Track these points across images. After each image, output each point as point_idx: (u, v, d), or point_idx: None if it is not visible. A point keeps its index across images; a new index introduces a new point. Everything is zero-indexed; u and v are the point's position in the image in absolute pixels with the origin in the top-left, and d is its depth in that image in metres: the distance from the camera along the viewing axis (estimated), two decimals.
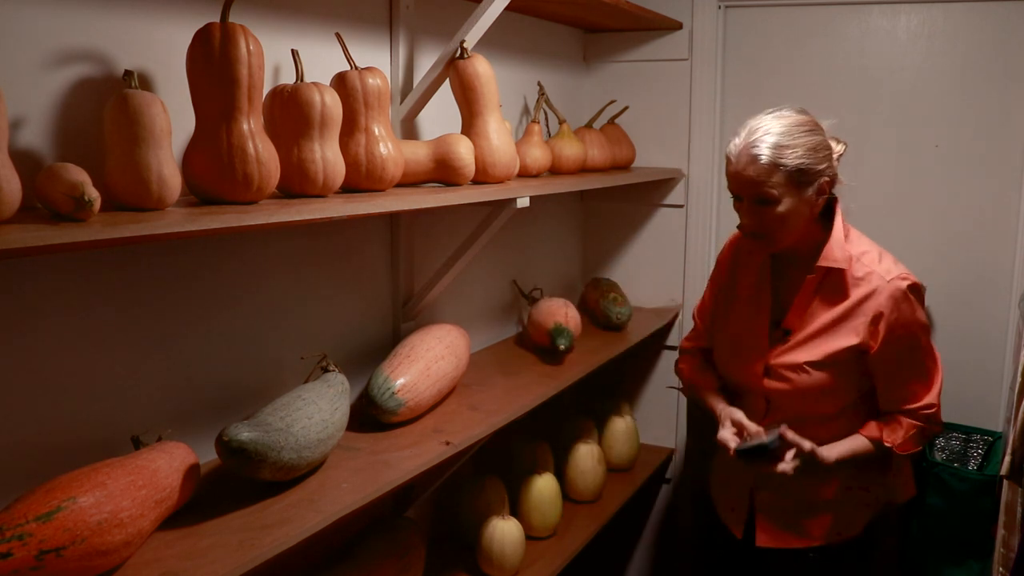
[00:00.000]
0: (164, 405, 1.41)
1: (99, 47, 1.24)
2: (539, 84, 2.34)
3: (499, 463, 2.28)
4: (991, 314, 2.54)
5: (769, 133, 1.59)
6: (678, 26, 2.66)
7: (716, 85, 2.69)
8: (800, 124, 1.62)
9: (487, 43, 2.02)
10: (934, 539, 2.44)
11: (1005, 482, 1.94)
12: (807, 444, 1.67)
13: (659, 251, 2.81)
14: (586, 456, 2.39)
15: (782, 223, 1.63)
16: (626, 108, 2.61)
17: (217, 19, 1.24)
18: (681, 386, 2.05)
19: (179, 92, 1.29)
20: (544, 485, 2.18)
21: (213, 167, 1.22)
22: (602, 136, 2.47)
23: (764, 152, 1.58)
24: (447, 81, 1.83)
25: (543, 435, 2.40)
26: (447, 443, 1.58)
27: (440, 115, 1.99)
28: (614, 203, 2.84)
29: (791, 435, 1.67)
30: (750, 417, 1.77)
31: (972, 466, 2.51)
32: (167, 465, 1.22)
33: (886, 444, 1.75)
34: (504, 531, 1.98)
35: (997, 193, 2.49)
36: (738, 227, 1.73)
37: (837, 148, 1.71)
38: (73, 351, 1.26)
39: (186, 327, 1.44)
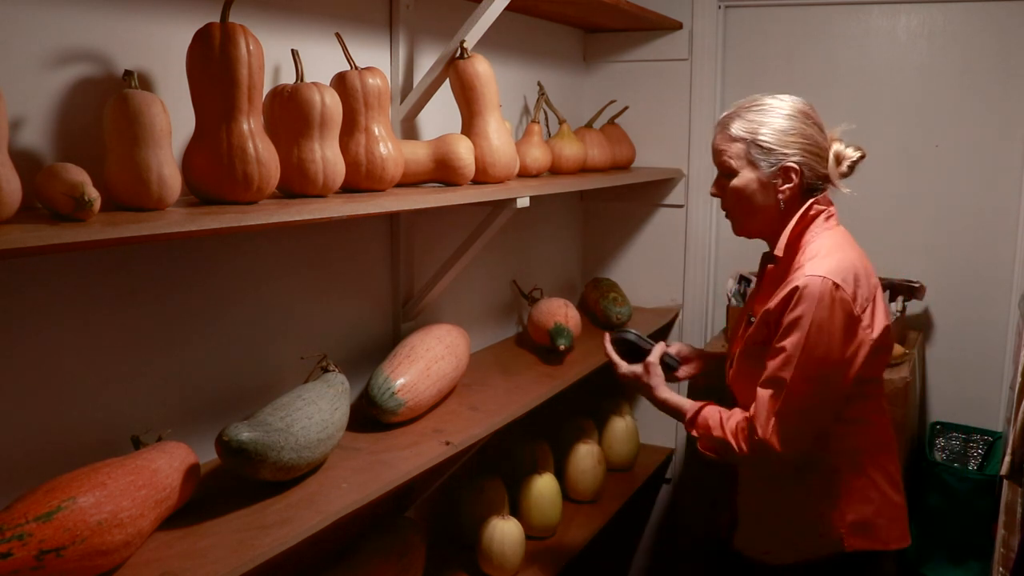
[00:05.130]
0: (164, 405, 1.41)
1: (99, 47, 1.24)
2: (539, 84, 2.34)
3: (499, 463, 2.28)
4: (991, 314, 2.54)
5: (746, 106, 1.61)
6: (678, 26, 2.66)
7: (716, 85, 2.69)
8: (782, 107, 1.59)
9: (487, 43, 2.02)
10: (934, 539, 2.44)
11: (1005, 482, 1.94)
12: (651, 363, 1.75)
13: (659, 251, 2.82)
14: (586, 456, 2.39)
15: (738, 199, 1.61)
16: (626, 108, 2.61)
17: (217, 19, 1.24)
18: None
19: (179, 92, 1.29)
20: (544, 485, 2.18)
21: (213, 167, 1.22)
22: (602, 136, 2.47)
23: (732, 122, 1.60)
24: (447, 81, 1.83)
25: (543, 435, 2.40)
26: (447, 443, 1.58)
27: (440, 115, 1.99)
28: (614, 203, 2.84)
29: (663, 349, 1.79)
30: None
31: (972, 466, 2.51)
32: (167, 465, 1.21)
33: (696, 418, 1.63)
34: (504, 531, 1.98)
35: (997, 193, 2.49)
36: None
37: (851, 154, 1.62)
38: (73, 351, 1.26)
39: (186, 327, 1.44)
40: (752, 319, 1.68)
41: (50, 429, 1.24)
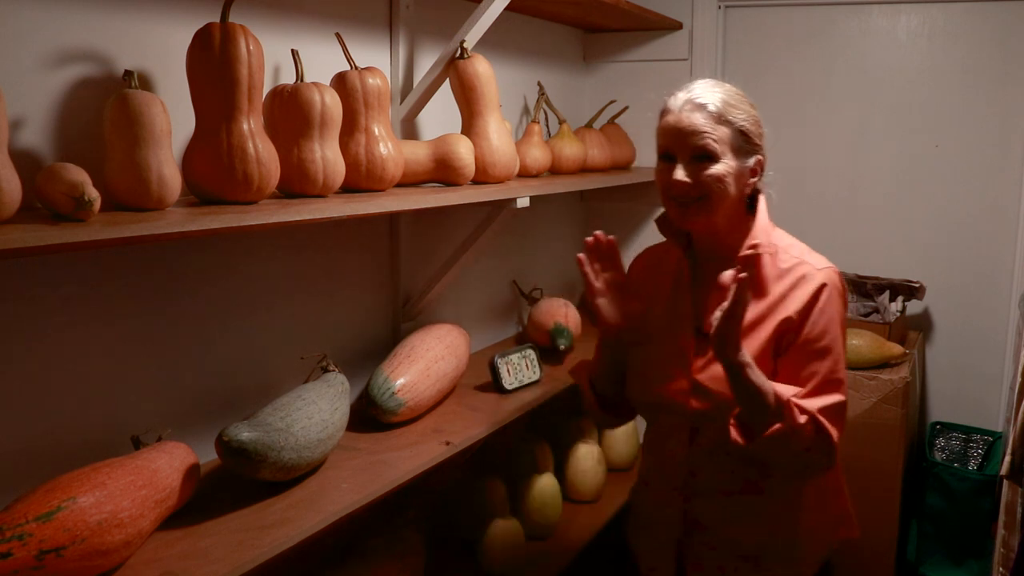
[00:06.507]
0: (164, 405, 1.41)
1: (99, 47, 1.24)
2: (539, 84, 2.34)
3: (499, 463, 2.28)
4: (991, 314, 2.54)
5: (717, 90, 1.45)
6: (678, 26, 2.66)
7: None
8: (745, 96, 1.48)
9: (487, 43, 2.02)
10: (934, 539, 2.44)
11: (1005, 482, 1.94)
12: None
13: None
14: (586, 456, 2.39)
15: (719, 184, 1.41)
16: (626, 108, 2.61)
17: (217, 19, 1.24)
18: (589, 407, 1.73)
19: (179, 92, 1.29)
20: (544, 485, 2.18)
21: (213, 167, 1.22)
22: (602, 136, 2.47)
23: (713, 103, 1.42)
24: (447, 81, 1.83)
25: (543, 435, 2.39)
26: (447, 443, 1.58)
27: (440, 115, 1.99)
28: (614, 203, 2.83)
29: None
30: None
31: (972, 466, 2.51)
32: (167, 465, 1.22)
33: (796, 411, 1.34)
34: (504, 531, 1.98)
35: (997, 193, 2.49)
36: (668, 198, 1.47)
37: None
38: (73, 351, 1.26)
39: (186, 327, 1.44)
40: (707, 334, 1.40)
41: (50, 429, 1.24)
